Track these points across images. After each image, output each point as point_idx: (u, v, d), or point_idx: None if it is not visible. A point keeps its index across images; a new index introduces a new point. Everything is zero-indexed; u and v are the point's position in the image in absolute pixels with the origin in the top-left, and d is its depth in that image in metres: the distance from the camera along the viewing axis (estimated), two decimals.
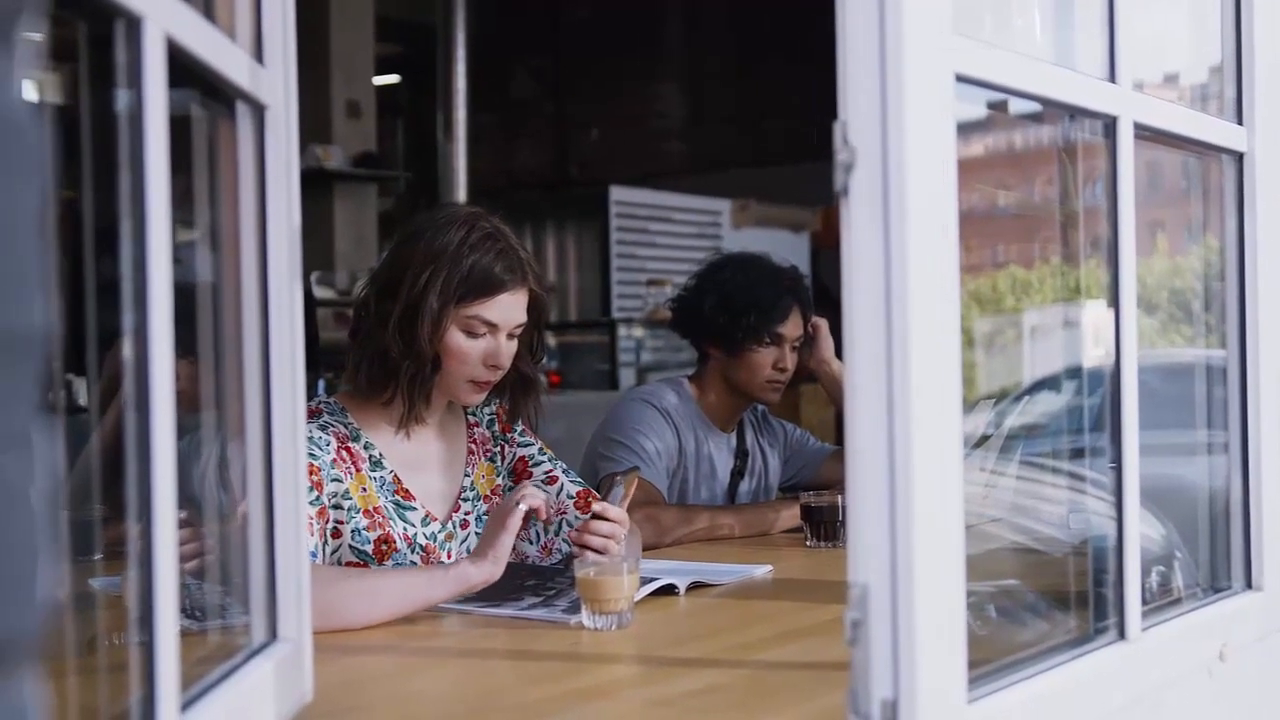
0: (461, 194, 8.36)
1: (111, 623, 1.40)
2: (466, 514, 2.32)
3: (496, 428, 2.41)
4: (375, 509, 2.18)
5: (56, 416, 0.66)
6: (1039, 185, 2.02)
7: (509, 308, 2.21)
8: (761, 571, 2.36)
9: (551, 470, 2.39)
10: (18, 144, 0.55)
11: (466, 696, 1.62)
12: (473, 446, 2.37)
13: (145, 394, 1.01)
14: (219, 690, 1.20)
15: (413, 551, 2.21)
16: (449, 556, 2.25)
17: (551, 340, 7.66)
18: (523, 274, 2.22)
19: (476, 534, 2.31)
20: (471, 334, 2.19)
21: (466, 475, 2.34)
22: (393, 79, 10.42)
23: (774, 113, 9.24)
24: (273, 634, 1.37)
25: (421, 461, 2.29)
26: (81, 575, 1.76)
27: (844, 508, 2.65)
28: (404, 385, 2.19)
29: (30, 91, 0.58)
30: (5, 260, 0.55)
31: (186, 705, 1.10)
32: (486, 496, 2.36)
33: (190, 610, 1.32)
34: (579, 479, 2.41)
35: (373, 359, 2.20)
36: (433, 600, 1.96)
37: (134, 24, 0.99)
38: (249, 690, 1.25)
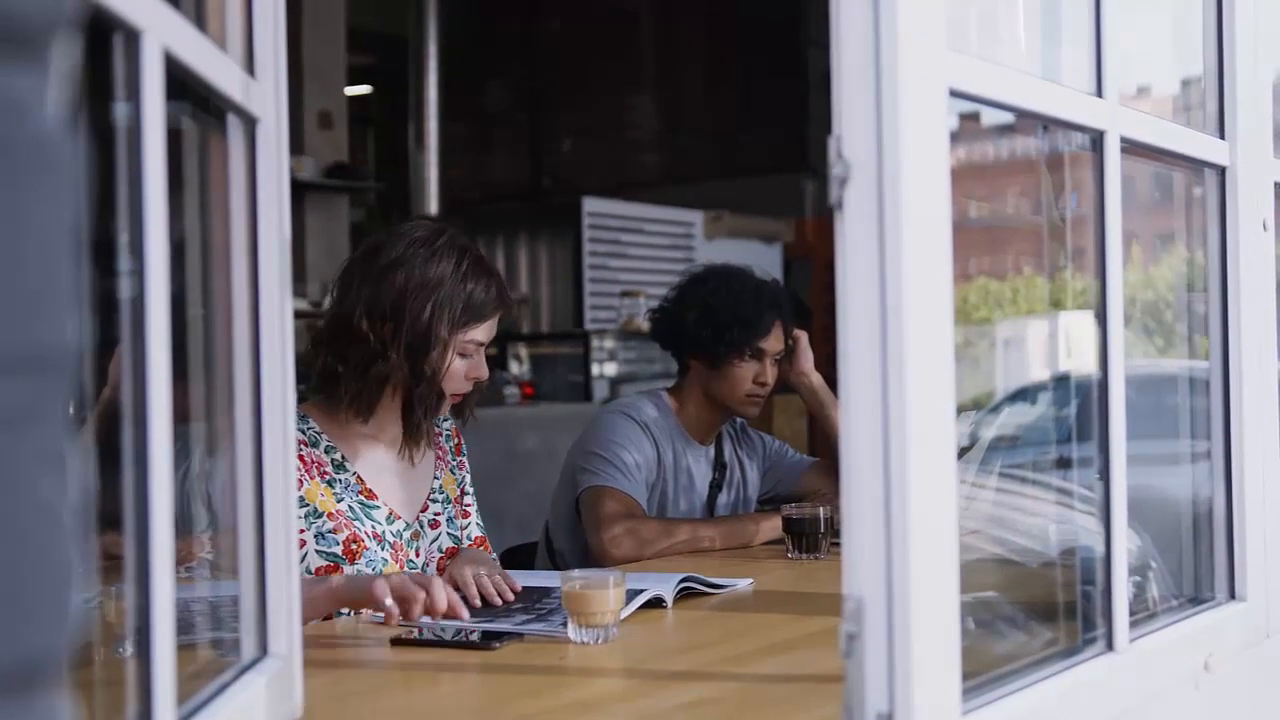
0: (433, 205, 8.34)
1: (99, 637, 1.39)
2: (436, 514, 2.41)
3: (452, 444, 2.52)
4: (339, 511, 2.24)
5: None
6: (1011, 197, 2.04)
7: (494, 326, 2.35)
8: (744, 584, 2.36)
9: (470, 506, 2.52)
10: (53, 163, 0.55)
11: (455, 711, 1.61)
12: (440, 453, 2.47)
13: (142, 407, 1.00)
14: (212, 706, 1.19)
15: (382, 548, 2.27)
16: (417, 555, 2.34)
17: (524, 352, 7.65)
18: (507, 294, 2.37)
19: (449, 534, 2.41)
20: (463, 355, 2.30)
21: (436, 478, 2.43)
22: (365, 89, 10.40)
23: (747, 124, 9.26)
24: (263, 650, 1.36)
25: (388, 465, 2.36)
26: None
27: (825, 520, 2.66)
28: (420, 412, 2.28)
29: (63, 108, 0.58)
30: (40, 279, 0.55)
31: None
32: (456, 500, 2.46)
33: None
34: (482, 524, 2.53)
35: (374, 384, 2.26)
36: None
37: (133, 37, 0.98)
38: (241, 706, 1.24)
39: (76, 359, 0.58)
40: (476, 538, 2.47)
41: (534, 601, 2.13)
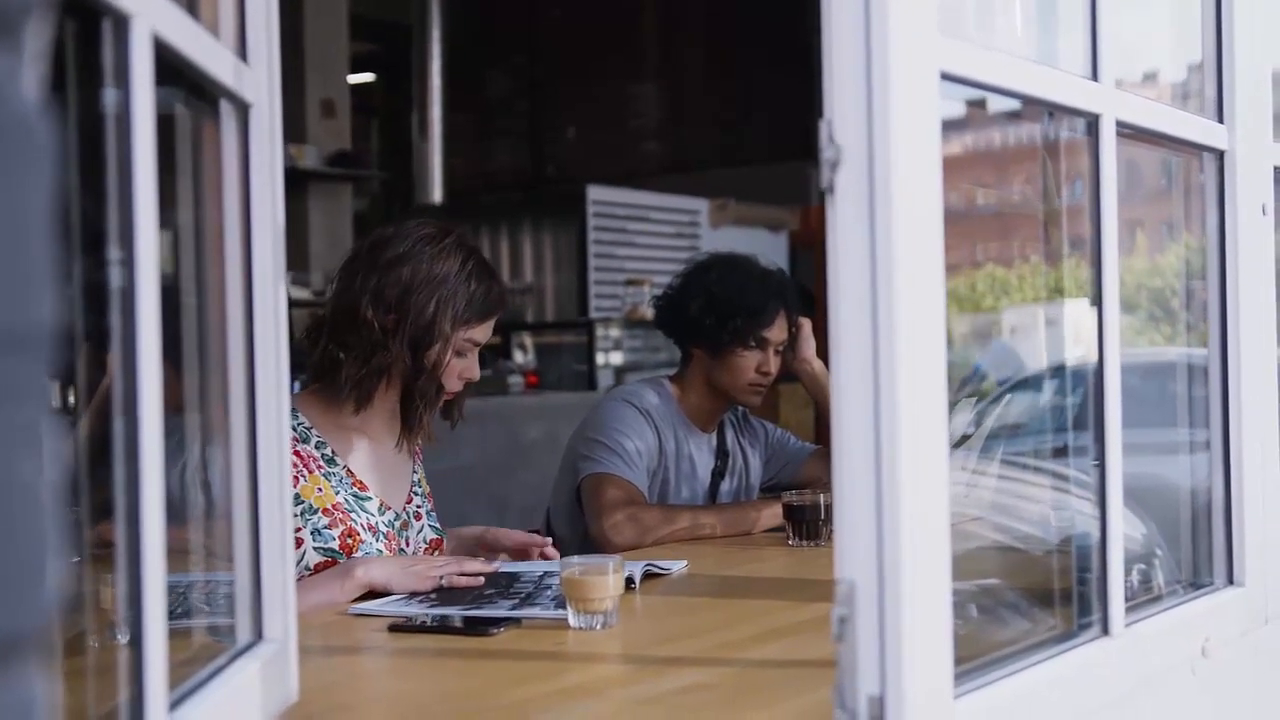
0: (437, 194, 8.34)
1: (92, 624, 1.39)
2: (418, 507, 2.46)
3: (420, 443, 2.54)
4: (334, 505, 2.27)
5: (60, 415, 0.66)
6: (1017, 184, 2.03)
7: (491, 328, 2.39)
8: (678, 567, 2.37)
9: (429, 506, 2.52)
10: (27, 144, 0.55)
11: (452, 696, 1.61)
12: (417, 450, 2.50)
13: (133, 396, 1.00)
14: (206, 690, 1.19)
15: (377, 539, 2.30)
16: (407, 544, 2.39)
17: (528, 341, 7.65)
18: (506, 298, 2.41)
19: (431, 526, 2.46)
20: (459, 354, 2.33)
21: (415, 472, 2.48)
22: (368, 78, 10.40)
23: (752, 112, 9.25)
24: (258, 634, 1.37)
25: (374, 457, 2.39)
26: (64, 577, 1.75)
27: (826, 507, 2.66)
28: (419, 404, 2.32)
29: (37, 89, 0.58)
30: (16, 259, 0.55)
31: (174, 705, 1.09)
32: (429, 495, 2.51)
33: (173, 610, 1.32)
34: (438, 526, 2.51)
35: (374, 374, 2.29)
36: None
37: (122, 22, 0.98)
38: (235, 690, 1.25)
39: (53, 339, 0.59)
40: (432, 539, 2.48)
41: (507, 587, 2.14)
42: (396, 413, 2.37)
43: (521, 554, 2.44)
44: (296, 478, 2.22)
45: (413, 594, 2.10)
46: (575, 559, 1.96)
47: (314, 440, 2.31)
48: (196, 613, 1.46)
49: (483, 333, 2.35)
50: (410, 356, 2.28)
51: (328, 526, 2.24)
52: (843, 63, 1.17)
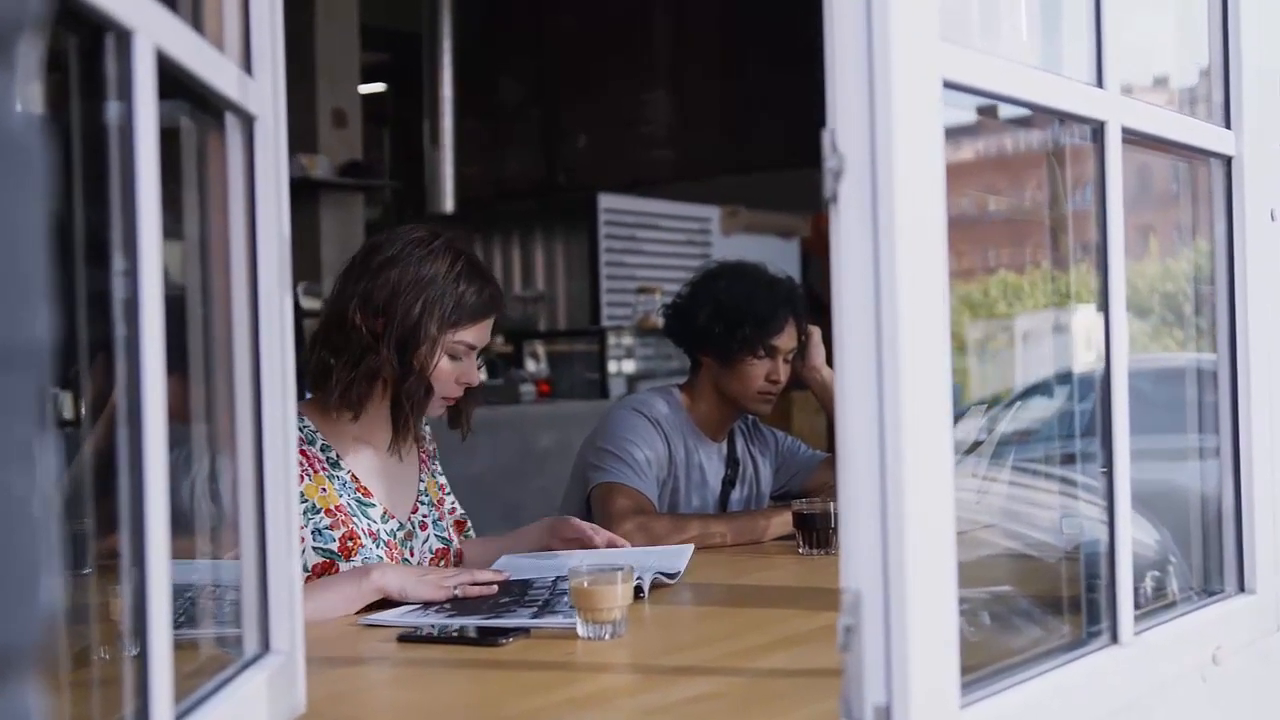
0: (449, 203, 8.35)
1: (101, 636, 1.40)
2: (424, 517, 2.45)
3: (432, 448, 2.56)
4: (337, 507, 2.28)
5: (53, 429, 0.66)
6: (1029, 190, 2.03)
7: (487, 331, 2.38)
8: (686, 555, 2.41)
9: (453, 504, 2.57)
10: (21, 159, 0.56)
11: (460, 707, 1.61)
12: (424, 457, 2.51)
13: (137, 408, 1.01)
14: (212, 702, 1.19)
15: (377, 546, 2.31)
16: (411, 554, 2.38)
17: (540, 349, 7.65)
18: (501, 301, 2.40)
19: (436, 536, 2.45)
20: (453, 357, 2.33)
21: (421, 481, 2.48)
22: (379, 87, 10.40)
23: (763, 119, 9.24)
24: (265, 646, 1.37)
25: (379, 465, 2.39)
26: (73, 588, 1.76)
27: (836, 515, 2.66)
28: (406, 407, 2.31)
29: (31, 105, 0.58)
30: (10, 274, 0.55)
31: (180, 717, 1.10)
32: (438, 504, 2.50)
33: (179, 620, 1.32)
34: (446, 537, 2.52)
35: (364, 378, 2.29)
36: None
37: (124, 37, 0.99)
38: (242, 702, 1.25)
39: (50, 355, 0.59)
40: (457, 522, 2.53)
41: (521, 595, 2.14)
42: None
43: (581, 544, 2.49)
44: (301, 476, 2.23)
45: (427, 604, 2.10)
46: (584, 568, 1.96)
47: (320, 443, 2.32)
48: (203, 618, 1.46)
49: (475, 335, 2.34)
50: (397, 359, 2.28)
51: (329, 527, 2.25)
52: (845, 71, 1.17)
